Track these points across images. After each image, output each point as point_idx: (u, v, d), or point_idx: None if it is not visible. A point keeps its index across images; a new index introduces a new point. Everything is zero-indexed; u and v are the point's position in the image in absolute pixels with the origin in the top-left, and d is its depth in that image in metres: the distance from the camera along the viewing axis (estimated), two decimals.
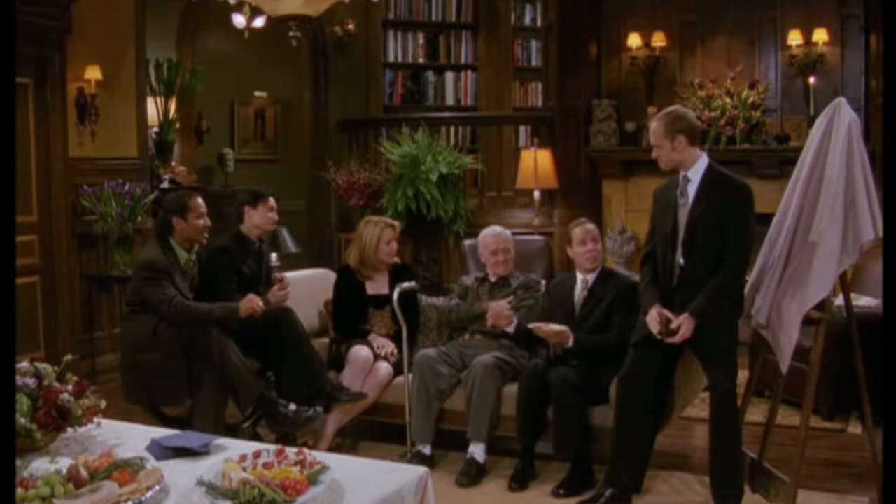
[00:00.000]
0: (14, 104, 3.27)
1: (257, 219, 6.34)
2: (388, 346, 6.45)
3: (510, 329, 6.21)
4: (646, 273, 5.40)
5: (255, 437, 6.01)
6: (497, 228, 6.69)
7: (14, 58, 3.16)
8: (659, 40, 10.39)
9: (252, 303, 5.92)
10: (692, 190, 5.17)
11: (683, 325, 5.06)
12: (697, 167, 5.18)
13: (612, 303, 5.94)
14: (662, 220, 5.32)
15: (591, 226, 6.20)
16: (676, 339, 5.10)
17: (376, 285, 6.67)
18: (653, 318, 5.19)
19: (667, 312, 5.15)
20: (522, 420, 5.92)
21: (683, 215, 5.17)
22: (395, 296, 6.19)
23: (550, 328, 5.88)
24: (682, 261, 5.17)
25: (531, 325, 5.96)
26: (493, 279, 6.55)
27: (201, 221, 6.08)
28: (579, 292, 6.10)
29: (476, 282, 6.64)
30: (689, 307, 5.07)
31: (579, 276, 6.14)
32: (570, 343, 5.86)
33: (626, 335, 5.63)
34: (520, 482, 5.80)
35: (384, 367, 6.33)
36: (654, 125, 5.30)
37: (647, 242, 5.50)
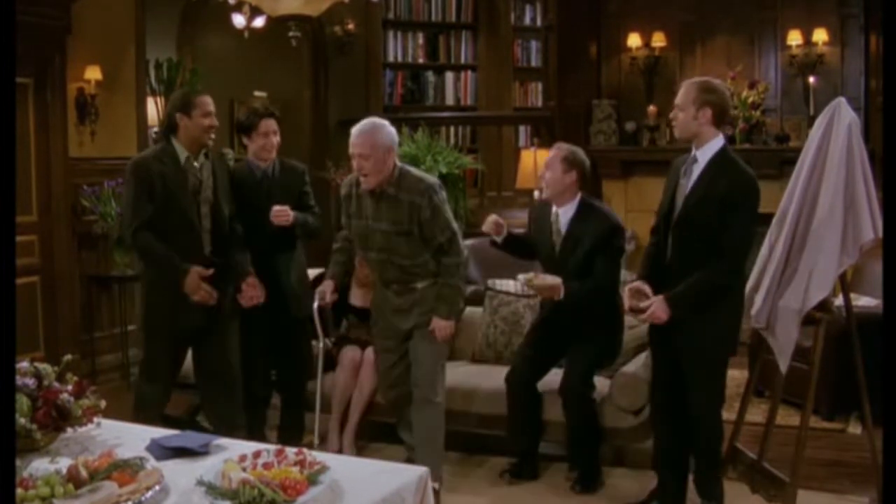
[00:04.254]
0: (14, 104, 3.26)
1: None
2: None
3: (498, 239, 5.90)
4: (649, 244, 5.23)
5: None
6: (364, 124, 5.52)
7: (14, 58, 3.15)
8: (659, 40, 10.40)
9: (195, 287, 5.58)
10: (696, 171, 4.88)
11: (654, 305, 4.85)
12: (709, 148, 4.86)
13: (594, 243, 5.65)
14: (664, 197, 5.10)
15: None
16: (645, 317, 4.94)
17: None
18: (625, 293, 5.12)
19: (645, 289, 4.98)
20: (516, 428, 5.92)
21: (681, 197, 4.94)
22: (315, 307, 5.88)
23: (543, 281, 5.62)
24: (669, 247, 4.98)
25: (522, 278, 5.68)
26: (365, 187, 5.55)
27: (206, 121, 5.72)
28: (556, 230, 5.79)
29: (354, 192, 5.67)
30: (667, 293, 4.86)
31: (554, 210, 5.81)
32: (562, 295, 5.58)
33: (613, 279, 5.68)
34: (517, 476, 5.86)
35: (370, 359, 6.28)
36: (687, 86, 4.96)
37: (657, 214, 5.21)
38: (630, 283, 5.13)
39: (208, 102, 5.78)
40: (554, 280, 5.57)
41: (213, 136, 5.83)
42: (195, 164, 5.75)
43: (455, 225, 5.55)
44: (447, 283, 5.53)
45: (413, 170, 5.63)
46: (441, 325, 5.52)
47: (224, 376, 5.93)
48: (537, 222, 5.95)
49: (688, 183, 4.89)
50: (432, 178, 5.62)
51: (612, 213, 5.83)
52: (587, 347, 5.77)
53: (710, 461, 5.15)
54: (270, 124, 6.12)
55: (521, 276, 5.68)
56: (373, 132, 5.42)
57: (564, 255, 5.73)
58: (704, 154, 4.87)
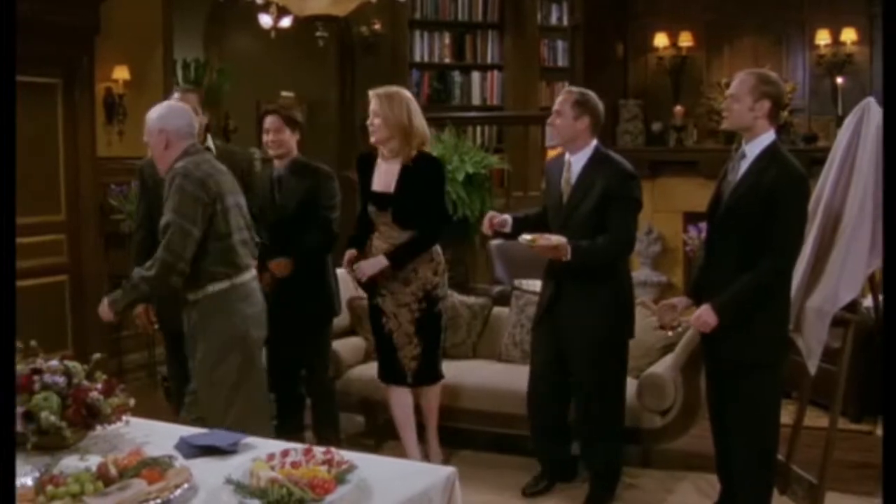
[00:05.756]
0: (14, 104, 3.27)
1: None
2: (367, 270, 5.68)
3: (507, 230, 5.50)
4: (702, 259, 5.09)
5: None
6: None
7: (14, 57, 3.16)
8: (686, 40, 10.37)
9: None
10: (744, 166, 4.69)
11: (701, 311, 4.68)
12: (759, 142, 4.66)
13: (605, 190, 5.24)
14: (711, 195, 4.91)
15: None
16: (693, 324, 4.79)
17: (384, 177, 5.75)
18: (658, 307, 5.07)
19: (678, 305, 4.94)
20: (544, 454, 5.76)
21: (727, 191, 4.76)
22: None
23: (547, 241, 5.14)
24: (714, 245, 4.86)
25: (523, 239, 5.19)
26: None
27: None
28: (566, 179, 5.39)
29: None
30: (714, 299, 4.67)
31: (566, 158, 5.42)
32: (569, 256, 5.13)
33: (629, 234, 5.32)
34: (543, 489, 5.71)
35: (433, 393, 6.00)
36: (744, 76, 4.74)
37: (707, 221, 5.02)
38: (665, 301, 5.08)
39: (182, 100, 5.82)
40: (559, 239, 5.14)
41: None
42: None
43: (180, 219, 4.77)
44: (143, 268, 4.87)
45: (199, 157, 4.99)
46: (102, 303, 4.99)
47: None
48: (549, 175, 5.59)
49: (734, 178, 4.72)
50: (192, 164, 4.90)
51: (627, 163, 5.43)
52: (594, 373, 5.36)
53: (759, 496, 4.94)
54: (269, 121, 6.05)
55: (523, 237, 5.21)
56: (149, 114, 5.10)
57: (573, 205, 5.31)
58: (753, 149, 4.68)
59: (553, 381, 5.53)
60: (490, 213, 5.55)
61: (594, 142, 5.39)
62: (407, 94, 5.70)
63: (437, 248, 5.78)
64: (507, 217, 5.52)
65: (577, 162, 5.36)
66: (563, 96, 5.41)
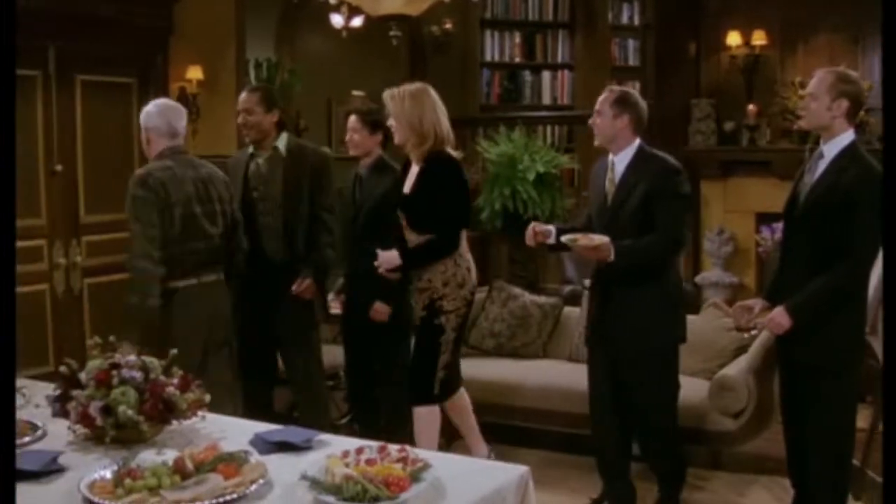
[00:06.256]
0: (14, 104, 3.29)
1: None
2: (387, 261, 5.51)
3: (550, 241, 5.26)
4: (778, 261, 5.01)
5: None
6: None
7: (14, 57, 3.18)
8: (759, 38, 10.26)
9: None
10: (821, 167, 4.61)
11: (775, 313, 4.63)
12: (837, 143, 4.60)
13: (649, 187, 5.02)
14: (787, 197, 4.83)
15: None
16: (766, 325, 4.73)
17: (409, 179, 5.61)
18: (733, 310, 5.01)
19: (754, 307, 4.89)
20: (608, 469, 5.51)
21: (804, 192, 4.68)
22: None
23: (589, 241, 4.93)
24: (790, 246, 4.78)
25: (565, 239, 5.01)
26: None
27: (239, 119, 6.06)
28: (610, 179, 5.19)
29: None
30: (788, 301, 4.60)
31: (610, 158, 5.22)
32: (612, 256, 4.92)
33: (674, 234, 5.06)
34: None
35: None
36: (822, 74, 4.72)
37: (784, 219, 4.93)
38: (740, 302, 5.03)
39: (239, 101, 6.08)
40: (601, 238, 4.92)
41: (246, 132, 6.06)
42: (259, 159, 6.04)
43: (138, 224, 5.12)
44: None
45: (162, 163, 5.23)
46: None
47: (300, 384, 6.07)
48: (594, 176, 5.39)
49: (812, 179, 4.64)
50: (145, 170, 5.19)
51: (671, 158, 5.20)
52: (644, 377, 5.20)
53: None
54: (350, 121, 6.19)
55: (565, 237, 5.03)
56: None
57: (616, 205, 5.11)
58: (831, 149, 4.60)
59: (614, 402, 5.34)
60: (532, 224, 5.34)
61: (637, 141, 5.18)
62: (424, 92, 5.46)
63: (458, 259, 5.48)
64: (551, 228, 5.32)
65: (620, 162, 5.17)
66: (604, 95, 5.23)
